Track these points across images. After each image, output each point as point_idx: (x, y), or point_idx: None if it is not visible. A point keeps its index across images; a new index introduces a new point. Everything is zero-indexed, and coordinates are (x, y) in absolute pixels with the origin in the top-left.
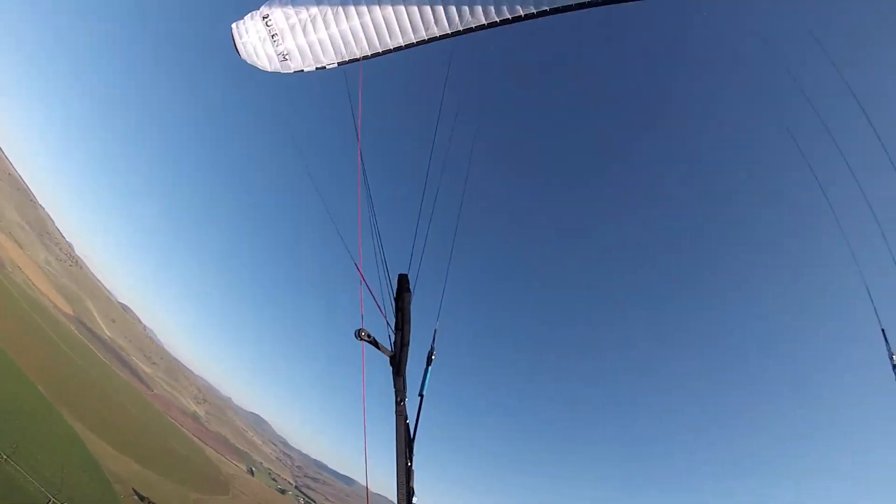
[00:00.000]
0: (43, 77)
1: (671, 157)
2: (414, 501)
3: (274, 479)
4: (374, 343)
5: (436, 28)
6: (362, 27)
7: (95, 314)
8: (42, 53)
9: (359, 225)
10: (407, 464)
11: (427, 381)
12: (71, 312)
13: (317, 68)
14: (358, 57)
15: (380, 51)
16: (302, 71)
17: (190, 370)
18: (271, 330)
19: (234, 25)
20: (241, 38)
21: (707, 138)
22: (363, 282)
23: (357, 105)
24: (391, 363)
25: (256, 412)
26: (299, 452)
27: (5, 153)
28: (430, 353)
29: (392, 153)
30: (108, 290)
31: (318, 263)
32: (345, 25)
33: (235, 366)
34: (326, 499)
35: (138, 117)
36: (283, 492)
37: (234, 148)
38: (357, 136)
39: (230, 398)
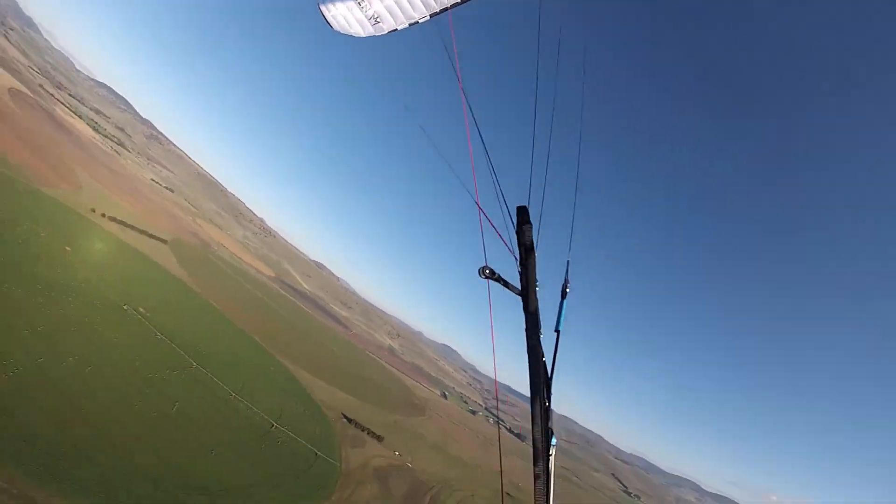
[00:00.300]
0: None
1: None
2: (553, 442)
3: (465, 402)
4: (500, 280)
5: None
6: None
7: (294, 273)
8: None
9: (470, 155)
10: (544, 404)
11: (563, 316)
12: (273, 275)
13: (409, 24)
14: (447, 5)
15: None
16: (396, 30)
17: (383, 311)
18: (453, 271)
19: (319, 2)
20: (329, 11)
21: None
22: (481, 212)
23: (452, 49)
24: (522, 300)
25: (446, 343)
26: (487, 377)
27: (191, 157)
28: (565, 286)
29: (498, 92)
30: (301, 252)
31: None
32: None
33: (423, 303)
34: (513, 418)
35: (292, 101)
36: (473, 413)
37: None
38: (457, 74)
39: (421, 332)
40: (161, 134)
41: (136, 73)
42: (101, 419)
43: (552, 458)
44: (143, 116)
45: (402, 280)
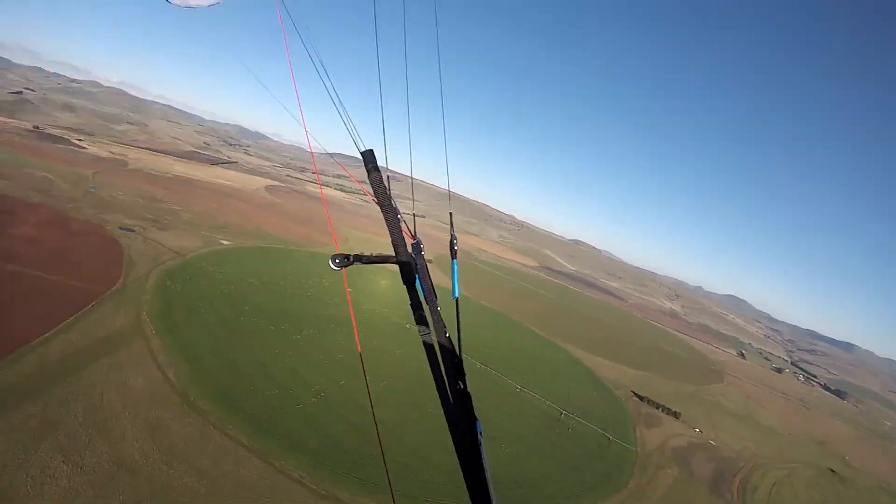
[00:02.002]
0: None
1: None
2: (478, 430)
3: (766, 359)
4: (362, 259)
5: None
6: None
7: (555, 257)
8: None
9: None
10: (458, 386)
11: (457, 279)
12: (536, 264)
13: None
14: None
15: None
16: None
17: (655, 273)
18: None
19: None
20: None
21: None
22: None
23: None
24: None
25: (731, 293)
26: (786, 325)
27: (428, 182)
28: (452, 243)
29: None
30: (557, 235)
31: None
32: None
33: (689, 253)
34: (828, 371)
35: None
36: (778, 371)
37: None
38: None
39: (700, 287)
40: (397, 173)
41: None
42: (398, 426)
43: (483, 449)
44: (380, 165)
45: (664, 236)
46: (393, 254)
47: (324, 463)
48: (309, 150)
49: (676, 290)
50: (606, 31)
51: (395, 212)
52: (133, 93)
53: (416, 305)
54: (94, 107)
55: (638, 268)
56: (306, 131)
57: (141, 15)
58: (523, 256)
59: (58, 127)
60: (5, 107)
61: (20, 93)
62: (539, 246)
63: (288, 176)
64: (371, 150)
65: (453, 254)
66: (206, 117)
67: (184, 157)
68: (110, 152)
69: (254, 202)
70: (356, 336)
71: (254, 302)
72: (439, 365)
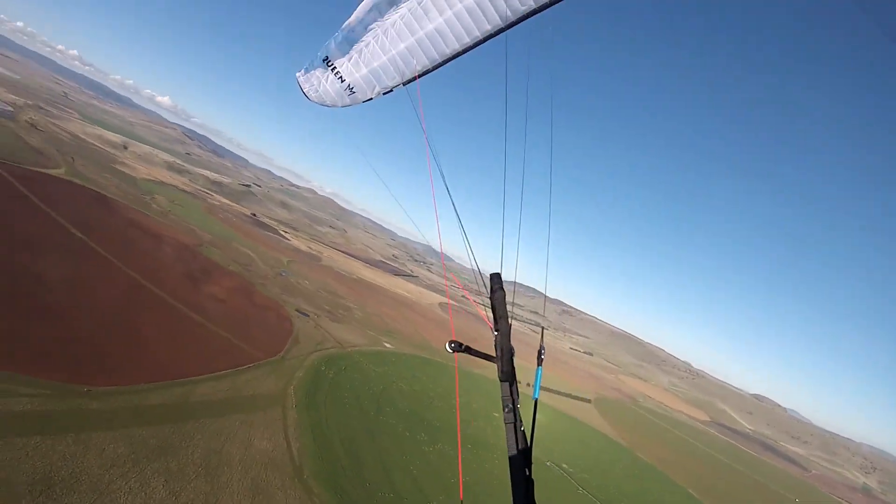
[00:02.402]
0: None
1: None
2: None
3: None
4: (471, 351)
5: (485, 26)
6: (418, 44)
7: (730, 412)
8: None
9: (436, 221)
10: (526, 474)
11: (539, 383)
12: (706, 418)
13: (384, 94)
14: (417, 73)
15: (438, 61)
16: (371, 99)
17: (849, 439)
18: None
19: (298, 75)
20: (307, 83)
21: None
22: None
23: (420, 116)
24: (498, 369)
25: None
26: None
27: (601, 320)
28: (540, 353)
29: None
30: (736, 388)
31: None
32: (400, 47)
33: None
34: None
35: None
36: None
37: None
38: (426, 141)
39: None
40: (570, 307)
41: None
42: None
43: None
44: (552, 298)
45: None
46: (494, 355)
47: None
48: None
49: (874, 460)
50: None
51: (508, 325)
52: (341, 203)
53: (505, 400)
54: (305, 208)
55: (829, 431)
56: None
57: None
58: (694, 408)
59: (271, 218)
60: (234, 194)
61: (248, 186)
62: (713, 398)
63: (463, 297)
64: (499, 274)
65: (539, 361)
66: (400, 234)
67: (371, 264)
68: (308, 247)
69: (425, 315)
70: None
71: (398, 405)
72: (519, 455)
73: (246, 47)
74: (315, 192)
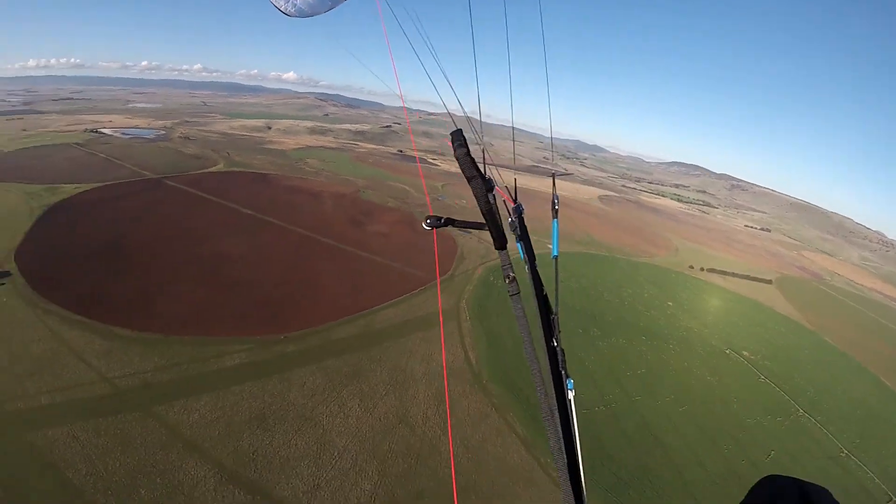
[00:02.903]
0: None
1: None
2: (570, 386)
3: None
4: (454, 223)
5: None
6: None
7: None
8: None
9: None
10: (552, 344)
11: (556, 237)
12: None
13: None
14: None
15: None
16: None
17: None
18: None
19: None
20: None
21: None
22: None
23: None
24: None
25: None
26: None
27: (779, 191)
28: (554, 203)
29: None
30: None
31: None
32: None
33: None
34: None
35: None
36: None
37: None
38: None
39: None
40: (742, 181)
41: (697, 143)
42: (680, 455)
43: (573, 407)
44: (718, 173)
45: None
46: (483, 221)
47: (588, 472)
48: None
49: None
50: None
51: (489, 183)
52: (486, 121)
53: (506, 268)
54: (446, 133)
55: None
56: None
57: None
58: (888, 285)
59: (417, 150)
60: (377, 137)
61: (388, 126)
62: None
63: (623, 186)
64: (460, 130)
65: (554, 213)
66: (546, 135)
67: (524, 171)
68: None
69: (586, 211)
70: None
71: (568, 304)
72: (527, 324)
73: None
74: (452, 116)
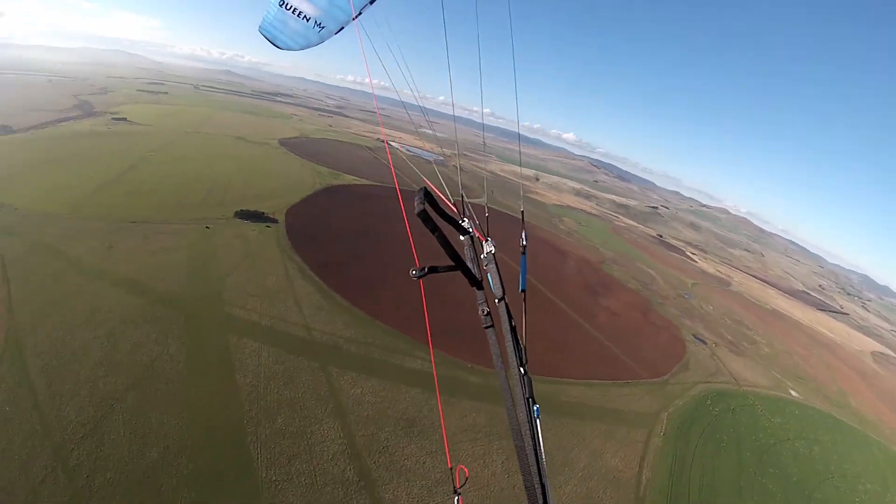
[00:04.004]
0: None
1: None
2: (536, 413)
3: None
4: (436, 269)
5: None
6: None
7: None
8: None
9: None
10: (521, 371)
11: (524, 272)
12: None
13: (356, 17)
14: None
15: None
16: (342, 28)
17: None
18: None
19: (260, 29)
20: (274, 34)
21: None
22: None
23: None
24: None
25: None
26: None
27: None
28: (522, 240)
29: None
30: None
31: None
32: None
33: None
34: None
35: None
36: None
37: None
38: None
39: None
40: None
41: None
42: None
43: (539, 430)
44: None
45: None
46: (454, 264)
47: None
48: None
49: None
50: None
51: (464, 227)
52: (758, 223)
53: (481, 304)
54: (716, 229)
55: None
56: None
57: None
58: None
59: (678, 239)
60: (640, 215)
61: (655, 208)
62: None
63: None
64: (423, 188)
65: (523, 249)
66: (830, 259)
67: (790, 294)
68: (717, 270)
69: (850, 363)
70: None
71: (786, 469)
72: (499, 354)
73: (646, 76)
74: (728, 212)
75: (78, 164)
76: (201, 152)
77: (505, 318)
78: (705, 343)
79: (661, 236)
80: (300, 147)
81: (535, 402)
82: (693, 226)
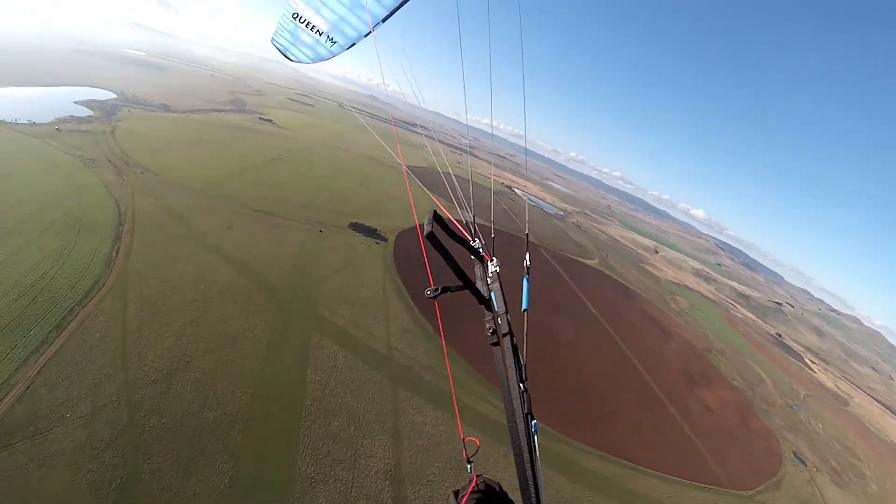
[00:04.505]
0: None
1: None
2: (534, 429)
3: None
4: (448, 289)
5: None
6: None
7: None
8: None
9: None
10: (521, 388)
11: (527, 293)
12: None
13: (366, 34)
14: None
15: None
16: (353, 45)
17: None
18: None
19: (272, 40)
20: (286, 46)
21: None
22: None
23: None
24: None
25: None
26: None
27: None
28: (526, 262)
29: None
30: None
31: None
32: None
33: None
34: None
35: None
36: None
37: None
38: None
39: None
40: None
41: None
42: None
43: (536, 445)
44: None
45: None
46: (465, 283)
47: None
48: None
49: None
50: None
51: (476, 249)
52: (893, 341)
53: (488, 321)
54: (843, 339)
55: None
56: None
57: None
58: None
59: (798, 343)
60: (760, 309)
61: (779, 304)
62: None
63: None
64: (434, 211)
65: (526, 270)
66: None
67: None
68: (836, 385)
69: None
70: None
71: None
72: (504, 371)
73: (779, 158)
74: (860, 322)
75: (220, 149)
76: (331, 163)
77: (509, 337)
78: (805, 465)
79: (779, 336)
80: (425, 177)
81: (533, 418)
82: (818, 331)
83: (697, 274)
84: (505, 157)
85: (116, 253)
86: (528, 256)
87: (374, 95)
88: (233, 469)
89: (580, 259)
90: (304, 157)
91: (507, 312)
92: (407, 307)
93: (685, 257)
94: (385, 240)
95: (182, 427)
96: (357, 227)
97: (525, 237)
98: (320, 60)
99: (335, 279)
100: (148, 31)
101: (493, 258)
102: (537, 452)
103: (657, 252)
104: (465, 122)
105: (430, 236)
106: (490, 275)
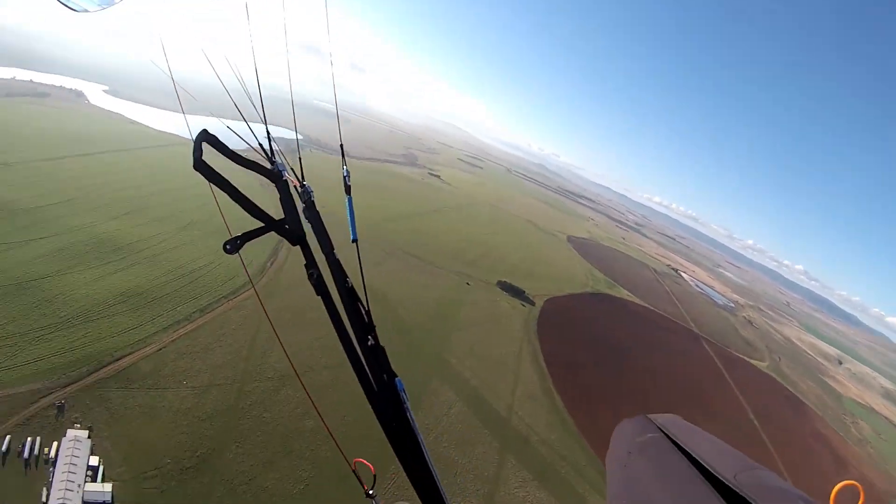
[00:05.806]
0: None
1: None
2: (400, 387)
3: None
4: (249, 235)
5: None
6: None
7: None
8: None
9: None
10: (369, 342)
11: (353, 218)
12: None
13: None
14: None
15: None
16: None
17: None
18: None
19: None
20: None
21: None
22: None
23: None
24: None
25: None
26: None
27: None
28: (345, 179)
29: None
30: None
31: None
32: None
33: None
34: None
35: None
36: None
37: None
38: None
39: None
40: None
41: None
42: None
43: (409, 408)
44: None
45: None
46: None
47: None
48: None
49: None
50: None
51: (277, 169)
52: None
53: (310, 263)
54: None
55: None
56: None
57: None
58: None
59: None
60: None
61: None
62: None
63: None
64: (205, 130)
65: (347, 189)
66: None
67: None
68: None
69: None
70: None
71: None
72: (343, 324)
73: None
74: None
75: (385, 194)
76: (490, 221)
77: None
78: None
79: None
80: (586, 248)
81: (395, 375)
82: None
83: (888, 396)
84: (673, 239)
85: (271, 265)
86: (345, 168)
87: (544, 165)
88: (311, 479)
89: (747, 358)
90: (465, 212)
91: (332, 250)
92: (540, 374)
93: (875, 373)
94: (532, 303)
95: (280, 425)
96: (505, 286)
97: (340, 147)
98: (108, 6)
99: (471, 331)
100: (338, 88)
101: (304, 182)
102: (411, 415)
103: (841, 363)
104: (635, 198)
105: (200, 165)
106: (304, 204)
